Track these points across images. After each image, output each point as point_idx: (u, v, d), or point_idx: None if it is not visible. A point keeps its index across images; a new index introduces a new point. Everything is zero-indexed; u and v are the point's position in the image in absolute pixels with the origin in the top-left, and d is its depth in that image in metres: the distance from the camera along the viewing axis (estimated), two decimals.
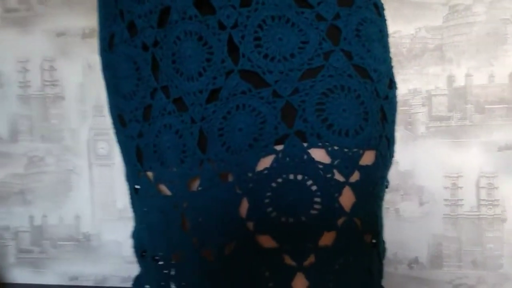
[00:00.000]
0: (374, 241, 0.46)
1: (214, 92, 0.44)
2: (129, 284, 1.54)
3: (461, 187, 1.25)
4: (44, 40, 1.47)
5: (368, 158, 0.44)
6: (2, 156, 1.53)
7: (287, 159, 0.41)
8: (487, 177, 1.24)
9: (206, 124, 0.45)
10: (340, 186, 0.42)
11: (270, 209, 0.41)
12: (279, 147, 0.42)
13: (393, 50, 1.35)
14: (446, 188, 1.26)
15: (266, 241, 0.41)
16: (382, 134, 0.45)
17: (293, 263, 0.41)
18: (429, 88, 1.25)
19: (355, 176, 0.42)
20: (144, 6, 0.47)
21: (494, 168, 1.23)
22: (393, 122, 0.50)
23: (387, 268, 1.32)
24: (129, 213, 1.54)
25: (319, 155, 0.41)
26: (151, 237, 0.53)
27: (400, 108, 1.31)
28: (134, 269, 0.61)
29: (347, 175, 0.42)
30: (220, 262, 0.45)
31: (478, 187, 1.25)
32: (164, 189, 0.49)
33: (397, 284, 1.30)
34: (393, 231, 1.29)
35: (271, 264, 0.42)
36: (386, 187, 0.52)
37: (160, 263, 0.52)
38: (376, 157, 0.44)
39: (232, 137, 0.43)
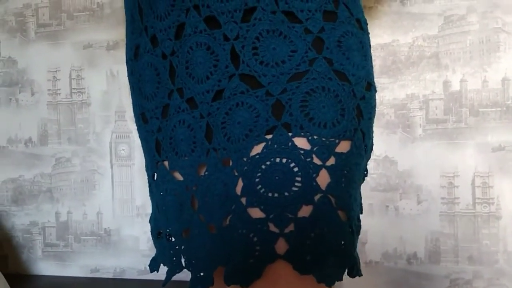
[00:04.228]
0: (347, 217, 0.51)
1: (218, 92, 0.53)
2: (146, 276, 1.64)
3: (457, 186, 1.31)
4: (72, 51, 1.59)
5: (343, 146, 0.50)
6: (33, 157, 1.64)
7: (275, 146, 0.49)
8: (482, 176, 1.30)
9: (212, 119, 0.53)
10: (317, 168, 0.49)
11: (259, 186, 0.49)
12: (269, 136, 0.50)
13: (392, 58, 1.44)
14: (443, 187, 1.32)
15: (255, 213, 0.49)
16: (358, 128, 0.52)
17: (276, 230, 0.48)
18: (426, 93, 1.33)
19: (331, 161, 0.49)
20: (164, 22, 0.56)
21: (488, 168, 1.29)
22: (369, 119, 0.55)
23: (388, 263, 1.38)
24: (146, 210, 1.64)
25: (301, 142, 0.49)
26: (166, 217, 0.61)
27: (398, 112, 1.40)
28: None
29: (324, 160, 0.49)
30: (219, 233, 0.52)
31: (473, 186, 1.30)
32: (178, 175, 0.58)
33: (397, 278, 1.36)
34: (393, 228, 1.36)
35: (259, 230, 0.48)
36: (366, 175, 0.59)
37: (173, 240, 0.61)
38: (351, 146, 0.51)
39: (232, 129, 0.52)
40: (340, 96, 0.51)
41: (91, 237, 1.61)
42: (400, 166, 1.34)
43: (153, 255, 0.67)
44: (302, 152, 0.49)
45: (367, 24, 0.59)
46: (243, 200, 0.50)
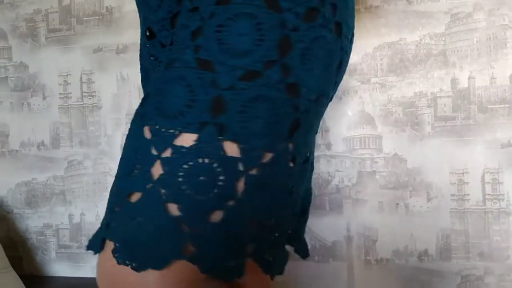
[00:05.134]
0: (180, 212, 0.48)
1: None
2: None
3: (467, 183, 1.32)
4: (82, 56, 1.61)
5: (185, 140, 0.48)
6: (45, 160, 1.67)
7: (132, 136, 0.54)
8: (492, 172, 1.30)
9: None
10: (152, 159, 0.49)
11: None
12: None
13: (399, 56, 1.44)
14: (452, 183, 1.33)
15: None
16: (211, 121, 0.47)
17: (108, 212, 0.55)
18: (434, 90, 1.33)
19: (167, 153, 0.48)
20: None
21: (498, 164, 1.29)
22: (241, 112, 0.48)
23: (399, 261, 1.39)
24: None
25: (146, 132, 0.50)
26: None
27: (407, 110, 1.40)
28: None
29: (159, 151, 0.48)
30: None
31: (483, 182, 1.31)
32: None
33: (408, 275, 1.36)
34: (403, 225, 1.36)
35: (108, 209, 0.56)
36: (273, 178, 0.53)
37: None
38: (197, 141, 0.47)
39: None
40: (193, 86, 0.48)
41: None
42: (410, 163, 1.35)
43: None
44: (145, 142, 0.50)
45: (292, 1, 0.49)
46: None
